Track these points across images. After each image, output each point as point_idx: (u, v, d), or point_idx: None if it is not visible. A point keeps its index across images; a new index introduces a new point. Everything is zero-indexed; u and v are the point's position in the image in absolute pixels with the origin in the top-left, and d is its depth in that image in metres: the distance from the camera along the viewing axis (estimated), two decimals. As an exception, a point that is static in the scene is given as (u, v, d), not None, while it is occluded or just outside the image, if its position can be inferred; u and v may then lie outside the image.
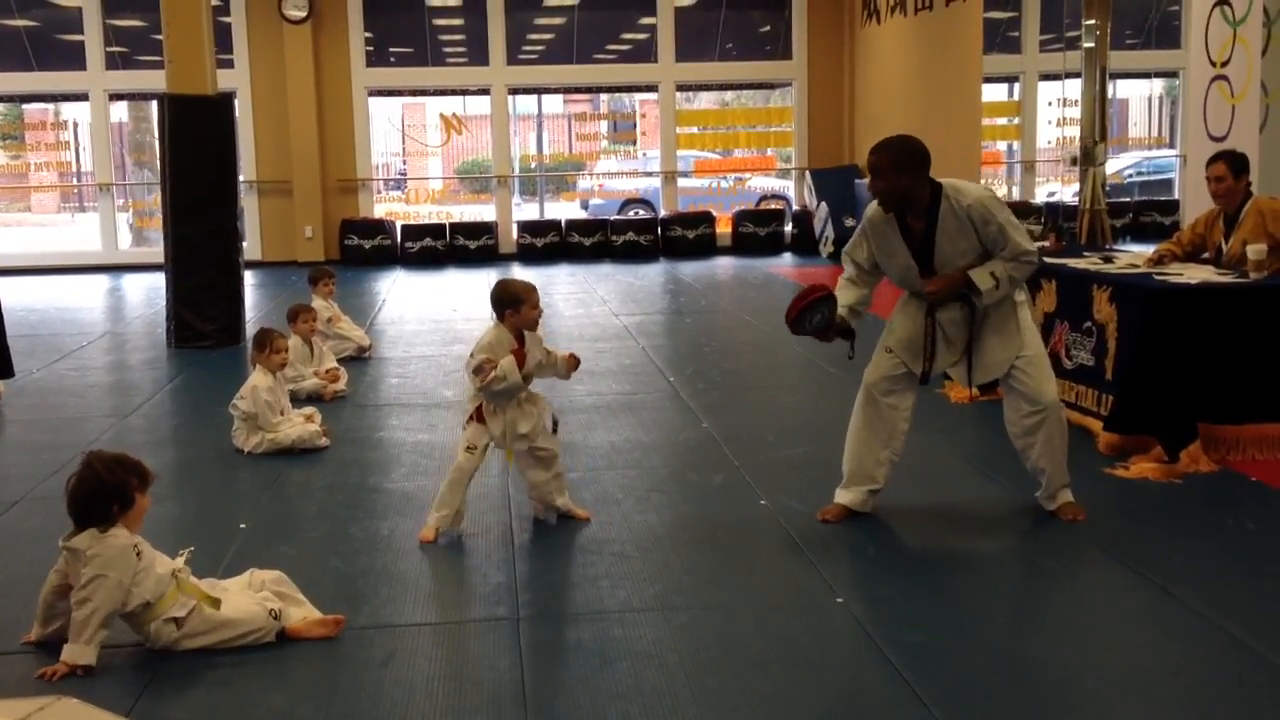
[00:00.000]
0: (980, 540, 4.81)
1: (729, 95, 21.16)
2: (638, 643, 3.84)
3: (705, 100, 20.80)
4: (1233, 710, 3.34)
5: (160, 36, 9.98)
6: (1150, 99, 18.16)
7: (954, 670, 3.60)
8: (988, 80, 13.82)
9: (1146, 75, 17.38)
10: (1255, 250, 6.07)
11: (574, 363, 5.05)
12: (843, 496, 4.97)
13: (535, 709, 3.38)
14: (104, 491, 3.68)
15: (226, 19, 16.06)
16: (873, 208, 4.86)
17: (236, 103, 15.38)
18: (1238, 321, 5.80)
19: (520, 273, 15.35)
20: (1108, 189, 10.21)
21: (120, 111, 17.83)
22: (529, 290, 4.87)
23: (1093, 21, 9.36)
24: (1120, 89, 17.14)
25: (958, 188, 4.65)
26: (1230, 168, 6.52)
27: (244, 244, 11.19)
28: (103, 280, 15.42)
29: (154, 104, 12.17)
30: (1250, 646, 3.69)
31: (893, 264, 4.83)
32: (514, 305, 4.82)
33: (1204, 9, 8.70)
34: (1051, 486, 4.92)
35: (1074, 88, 10.80)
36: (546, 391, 5.20)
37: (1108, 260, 6.87)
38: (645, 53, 17.56)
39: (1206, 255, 6.72)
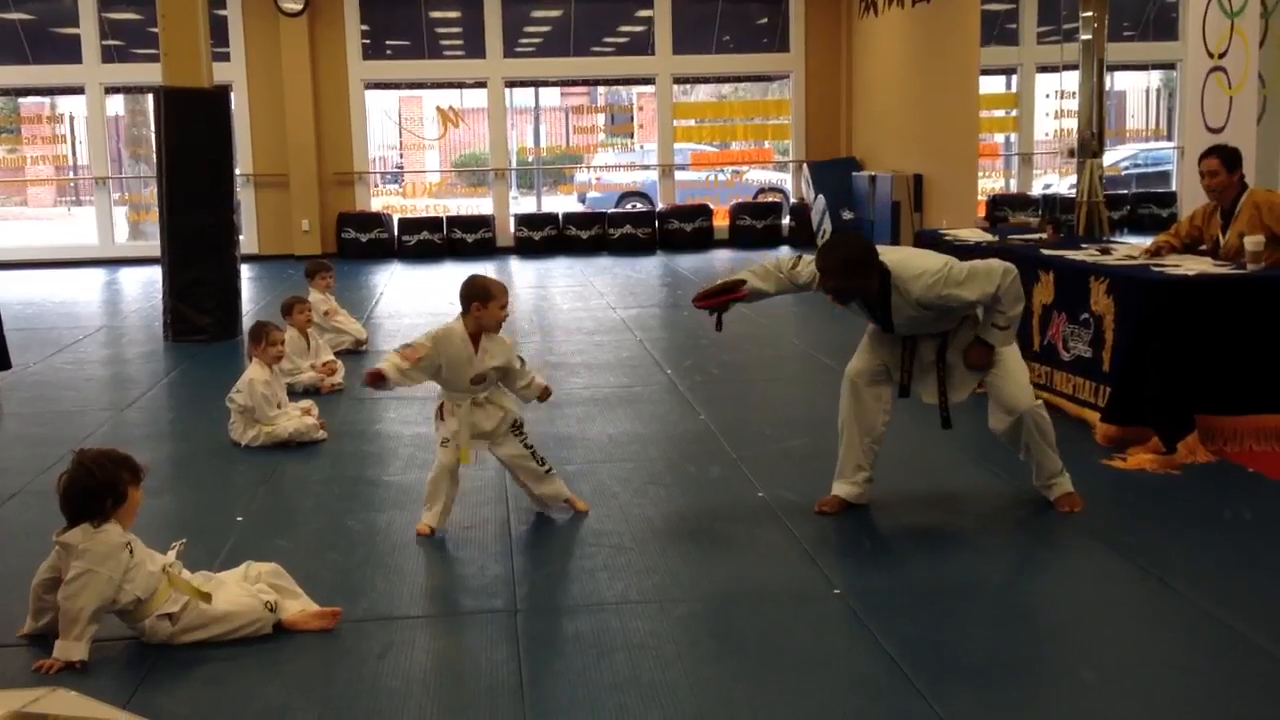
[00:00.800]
0: (976, 531, 4.81)
1: (726, 88, 21.12)
2: (635, 634, 3.84)
3: (702, 93, 20.75)
4: (1230, 701, 3.35)
5: (156, 29, 9.97)
6: (1148, 91, 18.13)
7: (950, 661, 3.60)
8: (985, 72, 13.78)
9: (1144, 67, 17.33)
10: (1252, 242, 6.07)
11: (546, 395, 5.03)
12: (838, 488, 4.98)
13: (532, 700, 3.38)
14: (96, 488, 3.67)
15: (222, 12, 16.03)
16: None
17: (233, 96, 15.31)
18: (1235, 313, 5.80)
19: (517, 266, 15.34)
20: (1105, 181, 10.18)
21: (116, 105, 17.79)
22: (501, 289, 4.81)
23: (1090, 13, 9.34)
24: (1118, 81, 17.10)
25: (905, 279, 4.60)
26: (1223, 162, 6.51)
27: (240, 237, 11.17)
28: (99, 274, 15.41)
29: (150, 97, 12.13)
30: (1247, 637, 3.69)
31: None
32: (482, 300, 4.75)
33: (1201, 1, 8.69)
34: (1043, 475, 4.93)
35: (1071, 80, 10.78)
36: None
37: (1105, 252, 6.87)
38: (642, 45, 17.54)
39: (1204, 247, 6.72)
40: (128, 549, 3.69)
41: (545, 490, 4.97)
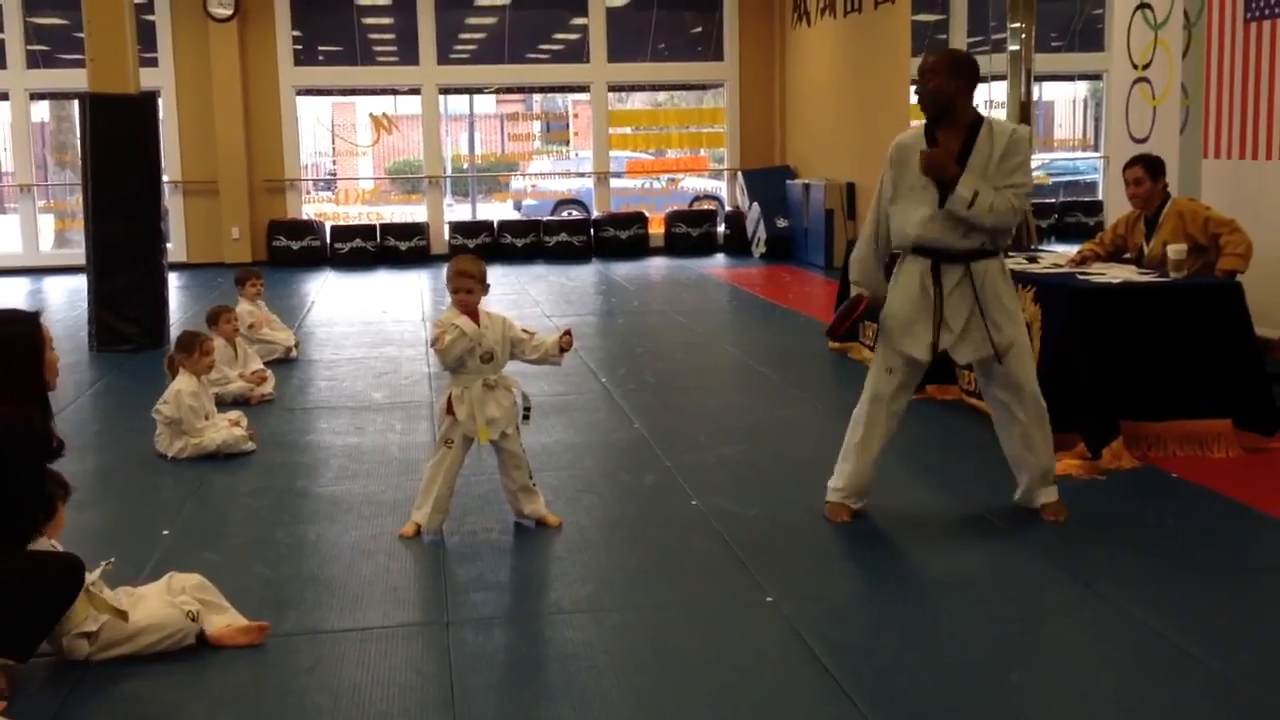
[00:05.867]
0: (907, 539, 4.85)
1: (661, 96, 21.18)
2: (568, 644, 3.83)
3: (638, 101, 20.80)
4: (1153, 704, 3.40)
5: (82, 34, 9.80)
6: (1074, 101, 18.44)
7: (881, 667, 3.63)
8: (916, 82, 13.96)
9: (1070, 78, 17.64)
10: (1175, 250, 6.19)
11: (567, 342, 4.89)
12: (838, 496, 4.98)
13: (464, 713, 3.35)
14: None
15: (150, 16, 15.80)
16: (901, 136, 4.79)
17: (160, 102, 15.15)
18: (1159, 320, 5.91)
19: (452, 274, 15.23)
20: (1032, 190, 10.36)
21: (42, 111, 17.47)
22: (465, 270, 4.77)
23: (1018, 24, 9.46)
24: (1045, 91, 17.38)
25: (1000, 120, 4.71)
26: (1147, 171, 6.64)
27: (168, 245, 11.01)
28: (23, 282, 15.11)
29: (76, 103, 11.93)
30: (1171, 640, 3.75)
31: (911, 197, 4.67)
32: (451, 284, 4.78)
33: (1126, 12, 8.85)
34: (1036, 480, 4.88)
35: (1000, 90, 10.92)
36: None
37: (1032, 260, 6.96)
38: (578, 53, 17.54)
39: (1128, 255, 6.84)
40: None
41: (528, 504, 4.94)
